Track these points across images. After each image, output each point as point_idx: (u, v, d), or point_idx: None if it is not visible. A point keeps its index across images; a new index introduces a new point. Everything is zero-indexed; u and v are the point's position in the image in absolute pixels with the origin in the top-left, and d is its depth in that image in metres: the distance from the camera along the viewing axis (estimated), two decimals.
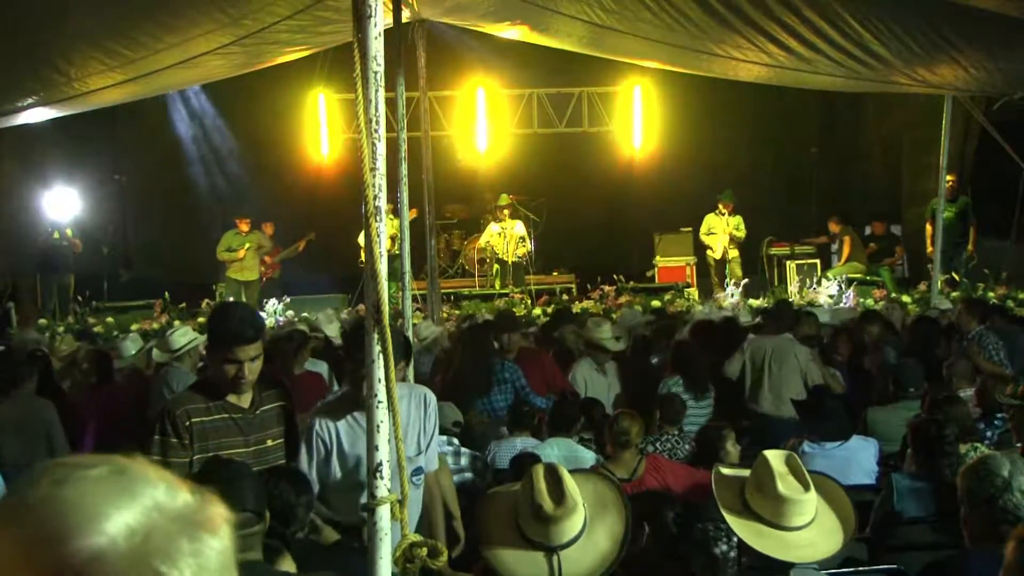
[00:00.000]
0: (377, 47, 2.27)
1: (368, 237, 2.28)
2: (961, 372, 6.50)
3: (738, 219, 14.09)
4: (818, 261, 14.49)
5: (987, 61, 7.54)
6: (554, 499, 2.69)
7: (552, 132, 15.97)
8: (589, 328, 7.31)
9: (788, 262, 14.40)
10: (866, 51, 7.19)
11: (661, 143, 15.98)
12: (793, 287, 13.60)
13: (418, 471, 3.75)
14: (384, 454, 2.31)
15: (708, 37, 7.41)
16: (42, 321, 12.23)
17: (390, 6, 6.39)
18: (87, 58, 6.79)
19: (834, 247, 14.88)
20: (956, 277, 12.72)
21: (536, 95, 15.84)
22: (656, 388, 6.72)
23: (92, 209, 14.15)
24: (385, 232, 2.32)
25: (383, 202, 2.31)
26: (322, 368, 7.00)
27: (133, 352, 7.28)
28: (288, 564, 2.87)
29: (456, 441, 5.53)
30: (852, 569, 3.90)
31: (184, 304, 12.76)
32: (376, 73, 2.27)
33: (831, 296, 12.42)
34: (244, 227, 13.90)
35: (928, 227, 12.63)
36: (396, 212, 6.48)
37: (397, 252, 7.41)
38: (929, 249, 12.09)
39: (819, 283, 13.10)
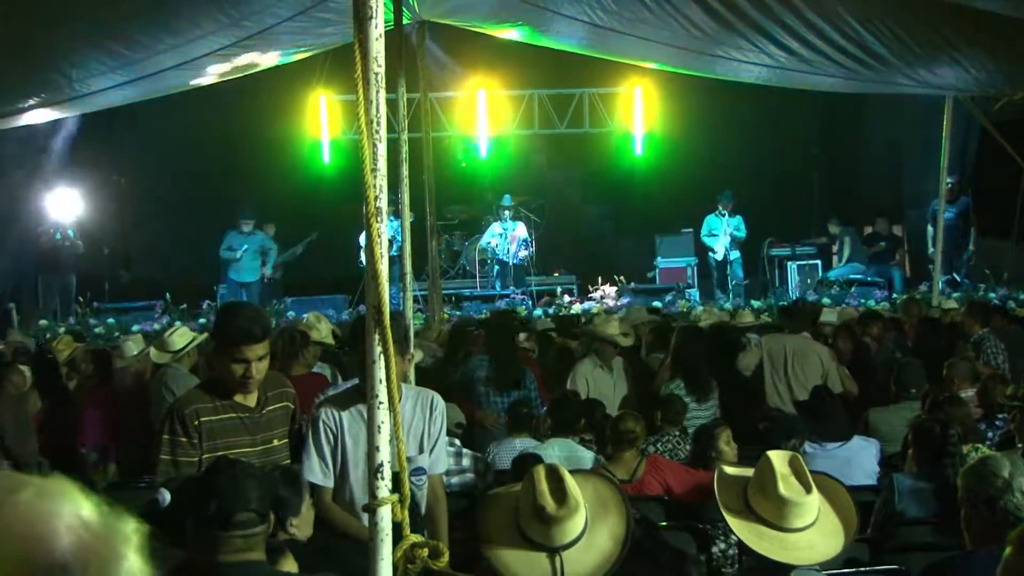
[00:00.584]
0: (378, 48, 2.27)
1: (369, 238, 2.28)
2: (962, 373, 6.50)
3: (738, 219, 14.09)
4: (819, 262, 14.49)
5: (988, 61, 7.54)
6: (556, 499, 2.69)
7: (553, 133, 15.98)
8: (597, 324, 7.28)
9: (789, 263, 14.41)
10: (867, 52, 7.19)
11: (662, 144, 15.98)
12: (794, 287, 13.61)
13: (419, 471, 3.74)
14: (385, 455, 2.31)
15: (709, 38, 7.41)
16: (43, 322, 12.24)
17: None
18: (88, 59, 6.80)
19: (835, 248, 14.89)
20: (957, 278, 12.73)
21: (537, 96, 15.84)
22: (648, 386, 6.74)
23: (93, 210, 14.16)
24: (386, 233, 2.32)
25: (384, 203, 2.31)
26: (326, 371, 6.97)
27: (135, 352, 7.28)
28: (290, 564, 2.87)
29: (458, 442, 5.54)
30: (853, 570, 3.90)
31: (185, 305, 12.77)
32: (377, 74, 2.27)
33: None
34: (247, 227, 13.87)
35: (929, 228, 12.64)
36: (397, 213, 6.49)
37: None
38: (931, 250, 12.10)
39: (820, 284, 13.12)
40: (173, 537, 2.71)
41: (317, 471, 3.62)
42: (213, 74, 8.33)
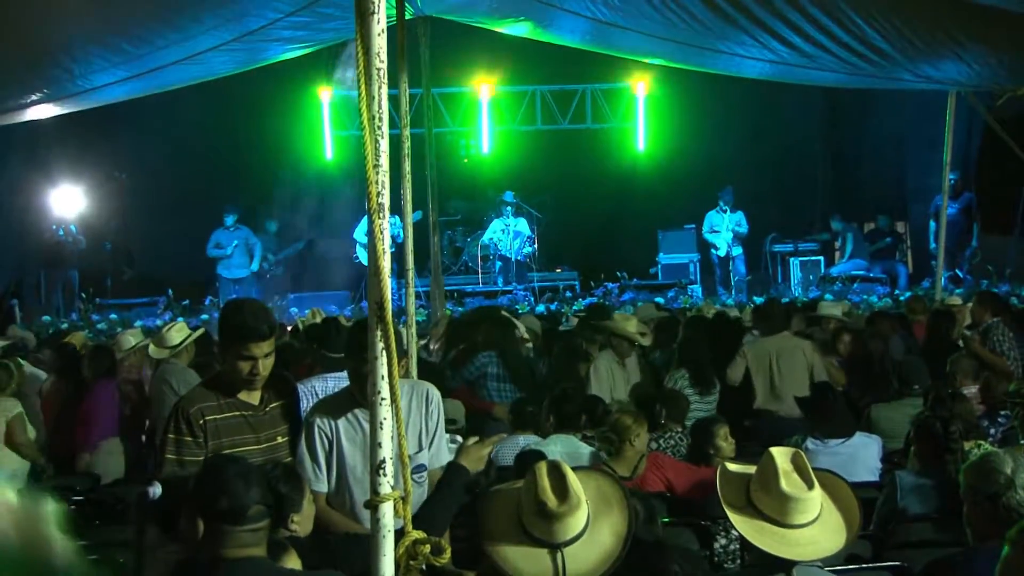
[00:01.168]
0: (380, 44, 2.27)
1: (372, 234, 2.28)
2: (965, 369, 6.50)
3: (739, 215, 14.09)
4: (822, 258, 14.49)
5: (991, 56, 7.52)
6: (558, 496, 2.69)
7: (556, 129, 15.97)
8: (617, 321, 7.29)
9: (791, 259, 14.40)
10: (870, 47, 7.18)
11: (665, 140, 15.98)
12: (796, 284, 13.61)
13: (419, 468, 3.73)
14: (387, 451, 2.31)
15: (712, 34, 7.40)
16: (46, 318, 12.25)
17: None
18: (90, 55, 6.80)
19: (837, 244, 14.88)
20: (960, 274, 12.72)
21: (539, 92, 15.83)
22: (656, 385, 6.74)
23: (96, 206, 14.17)
24: (388, 229, 2.32)
25: (386, 199, 2.30)
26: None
27: (132, 344, 7.29)
28: (293, 561, 2.87)
29: (459, 438, 5.53)
30: (856, 566, 3.90)
31: (188, 301, 12.78)
32: (379, 70, 2.27)
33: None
34: (229, 222, 13.80)
35: (932, 224, 12.62)
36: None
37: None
38: (933, 246, 12.09)
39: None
40: (165, 529, 2.73)
41: (311, 475, 3.58)
42: (216, 70, 8.33)
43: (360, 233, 13.71)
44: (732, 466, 3.06)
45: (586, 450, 5.39)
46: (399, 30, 5.74)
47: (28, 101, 7.62)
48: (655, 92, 15.82)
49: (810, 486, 2.83)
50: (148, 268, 14.83)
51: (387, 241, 2.30)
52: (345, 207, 13.56)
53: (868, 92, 13.28)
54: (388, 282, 2.31)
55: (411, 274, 6.11)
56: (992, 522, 2.97)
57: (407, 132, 5.96)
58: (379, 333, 2.29)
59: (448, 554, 2.38)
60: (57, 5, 5.85)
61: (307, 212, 14.65)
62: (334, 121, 15.62)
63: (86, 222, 13.86)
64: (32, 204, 13.62)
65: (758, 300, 12.31)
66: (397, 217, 8.51)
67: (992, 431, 5.59)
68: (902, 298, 11.80)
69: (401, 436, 2.33)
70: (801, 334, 7.77)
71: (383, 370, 2.29)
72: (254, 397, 3.57)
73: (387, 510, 2.30)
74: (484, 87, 15.54)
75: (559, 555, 2.66)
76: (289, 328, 8.67)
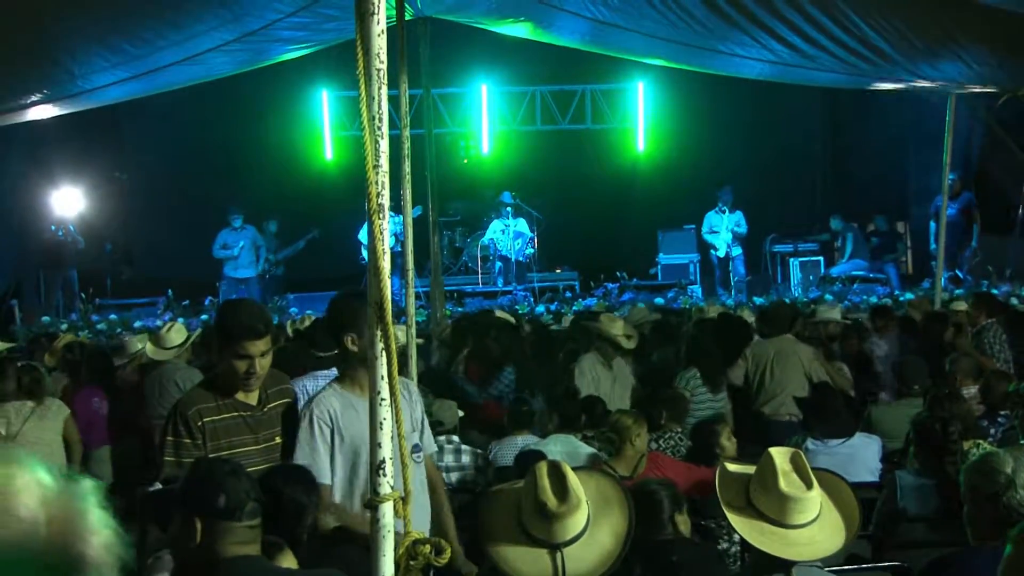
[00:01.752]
0: (380, 44, 2.27)
1: (371, 234, 2.28)
2: (965, 369, 6.50)
3: (738, 215, 14.09)
4: (821, 258, 14.49)
5: (991, 57, 7.52)
6: (558, 496, 2.70)
7: (555, 129, 15.97)
8: (602, 323, 7.30)
9: (791, 259, 14.40)
10: (870, 48, 7.18)
11: (664, 140, 15.98)
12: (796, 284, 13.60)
13: (416, 448, 3.70)
14: (387, 451, 2.31)
15: (712, 34, 7.40)
16: (45, 318, 12.26)
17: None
18: (90, 55, 6.80)
19: (837, 244, 14.88)
20: (960, 275, 12.72)
21: (540, 92, 15.84)
22: (659, 385, 6.74)
23: (95, 207, 14.18)
24: (388, 229, 2.32)
25: (386, 199, 2.30)
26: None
27: (139, 348, 7.31)
28: (288, 560, 2.87)
29: (456, 439, 5.54)
30: (856, 566, 3.90)
31: (188, 302, 12.78)
32: (379, 70, 2.27)
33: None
34: (236, 223, 13.83)
35: (932, 224, 12.62)
36: (398, 210, 6.47)
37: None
38: (933, 246, 12.08)
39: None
40: (164, 530, 2.74)
41: (316, 468, 3.53)
42: (216, 70, 8.33)
43: (364, 235, 13.72)
44: (731, 466, 3.06)
45: (585, 450, 5.40)
46: (399, 30, 5.74)
47: (28, 101, 7.62)
48: (655, 92, 15.83)
49: (809, 486, 2.83)
50: (148, 268, 14.83)
51: (387, 241, 2.30)
52: (345, 207, 13.54)
53: (868, 92, 13.29)
54: (388, 282, 2.31)
55: (411, 274, 6.11)
56: (992, 522, 2.96)
57: (407, 132, 5.96)
58: (379, 333, 2.29)
59: (449, 554, 2.38)
60: (57, 5, 5.85)
61: (307, 212, 14.66)
62: (334, 121, 15.63)
63: (86, 222, 13.86)
64: (32, 204, 13.62)
65: (758, 300, 12.33)
66: (400, 217, 8.51)
67: (992, 431, 5.59)
68: (902, 299, 11.80)
69: (401, 436, 2.34)
70: (800, 337, 7.78)
71: (383, 369, 2.29)
72: (252, 398, 3.56)
73: (387, 510, 2.30)
74: (484, 87, 15.54)
75: (559, 555, 2.67)
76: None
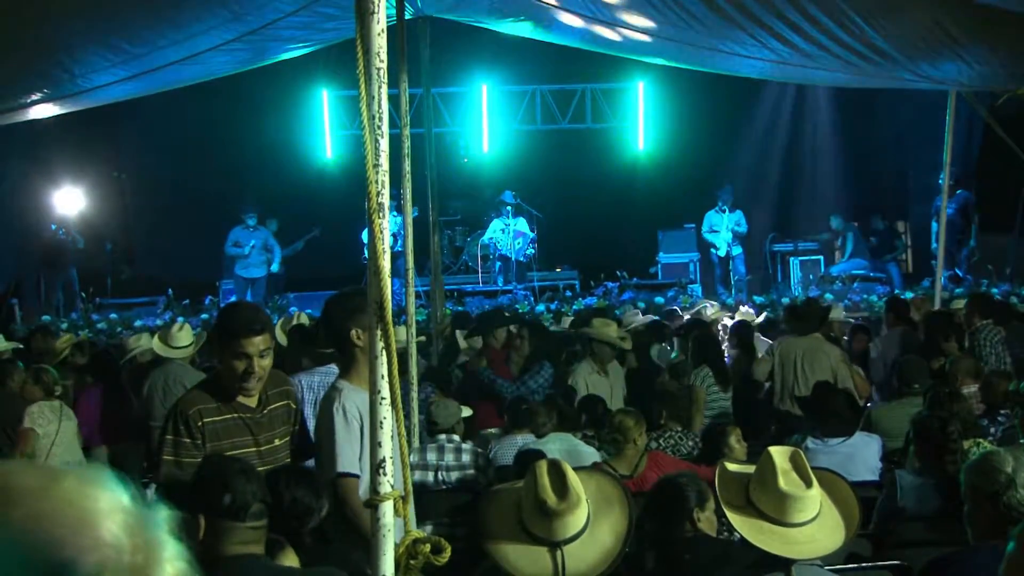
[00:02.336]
0: (380, 43, 2.27)
1: (371, 233, 2.28)
2: (965, 368, 6.50)
3: (738, 214, 14.09)
4: (822, 258, 14.49)
5: (991, 56, 7.52)
6: (557, 494, 2.70)
7: (555, 128, 15.97)
8: (596, 327, 7.29)
9: (791, 258, 14.40)
10: (870, 47, 7.17)
11: (664, 139, 15.97)
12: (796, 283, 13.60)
13: None
14: (387, 450, 2.31)
15: (712, 33, 7.39)
16: (45, 318, 12.26)
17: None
18: (89, 54, 6.80)
19: (837, 243, 14.88)
20: (959, 273, 12.71)
21: (540, 91, 15.84)
22: (655, 385, 6.79)
23: (95, 206, 14.18)
24: (388, 228, 2.32)
25: (386, 198, 2.30)
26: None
27: (138, 346, 7.33)
28: (291, 559, 2.88)
29: (456, 438, 5.54)
30: (856, 565, 3.90)
31: (188, 301, 12.79)
32: (379, 70, 2.27)
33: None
34: (251, 222, 13.84)
35: (934, 224, 12.61)
36: (399, 209, 6.48)
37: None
38: (933, 245, 12.08)
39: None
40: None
41: (355, 462, 3.51)
42: (216, 69, 8.33)
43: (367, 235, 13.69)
44: (731, 466, 3.06)
45: (585, 449, 5.40)
46: (399, 30, 5.75)
47: (28, 101, 7.62)
48: (655, 91, 15.82)
49: (808, 484, 2.83)
50: (148, 268, 14.83)
51: (387, 241, 2.31)
52: (345, 207, 13.53)
53: (869, 92, 13.29)
54: (388, 282, 2.32)
55: (411, 274, 6.11)
56: (993, 521, 2.97)
57: (407, 132, 5.96)
58: (379, 333, 2.29)
59: (448, 553, 2.38)
60: (57, 5, 5.84)
61: (307, 211, 14.66)
62: (334, 120, 15.63)
63: (86, 221, 13.86)
64: (32, 204, 13.62)
65: (758, 300, 12.34)
66: (400, 217, 8.51)
67: (992, 430, 5.59)
68: (902, 297, 11.79)
69: (401, 436, 2.34)
70: (834, 339, 7.79)
71: (383, 369, 2.30)
72: (252, 400, 3.55)
73: (387, 509, 2.31)
74: (484, 86, 15.55)
75: (559, 553, 2.67)
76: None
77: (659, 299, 12.25)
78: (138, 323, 11.54)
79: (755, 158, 15.37)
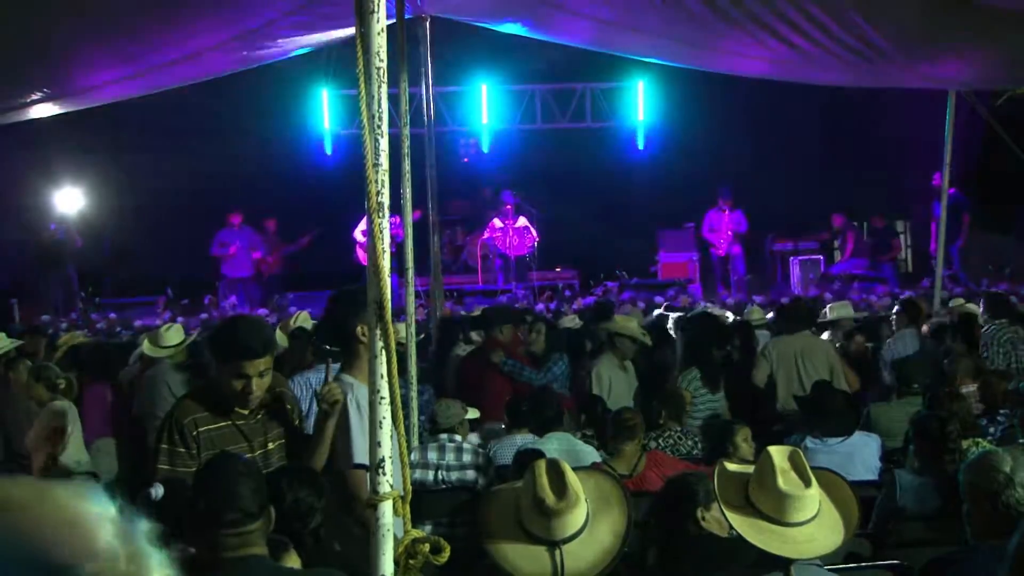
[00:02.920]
0: (380, 43, 2.27)
1: (371, 233, 2.28)
2: (964, 368, 6.50)
3: (738, 214, 14.09)
4: (821, 257, 14.49)
5: (990, 55, 7.52)
6: (556, 493, 2.70)
7: (555, 127, 15.97)
8: (618, 321, 7.27)
9: (791, 258, 14.41)
10: (870, 46, 7.18)
11: (664, 138, 15.98)
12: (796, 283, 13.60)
13: None
14: (387, 450, 2.31)
15: (711, 33, 7.40)
16: (45, 317, 12.26)
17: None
18: (90, 54, 6.80)
19: (837, 243, 14.88)
20: (959, 273, 12.71)
21: (540, 91, 15.84)
22: (657, 384, 6.76)
23: (95, 205, 14.18)
24: (388, 228, 2.32)
25: (386, 198, 2.30)
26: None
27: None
28: (293, 560, 2.88)
29: (458, 437, 5.53)
30: (855, 564, 3.90)
31: (187, 300, 12.79)
32: (379, 69, 2.27)
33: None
34: (235, 222, 13.82)
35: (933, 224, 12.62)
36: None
37: None
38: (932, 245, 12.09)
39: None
40: (171, 530, 2.72)
41: (363, 454, 3.46)
42: (215, 69, 8.33)
43: (359, 233, 13.73)
44: (730, 465, 3.06)
45: (584, 448, 5.40)
46: (399, 30, 5.74)
47: (28, 100, 7.61)
48: (655, 91, 15.82)
49: (807, 484, 2.83)
50: (148, 267, 14.83)
51: (387, 240, 2.30)
52: (345, 206, 13.53)
53: (868, 92, 13.28)
54: (388, 282, 2.32)
55: (411, 273, 6.11)
56: (992, 520, 2.97)
57: (407, 131, 5.96)
58: (379, 333, 2.29)
59: (448, 553, 2.38)
60: (57, 4, 5.85)
61: (307, 211, 14.66)
62: (334, 119, 15.63)
63: (86, 220, 13.86)
64: (31, 203, 13.62)
65: (758, 299, 12.33)
66: (399, 217, 8.50)
67: (991, 430, 5.60)
68: (901, 297, 11.79)
69: (401, 436, 2.34)
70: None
71: (383, 368, 2.30)
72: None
73: (387, 509, 2.31)
74: (484, 86, 15.54)
75: (558, 552, 2.67)
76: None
77: (659, 298, 12.24)
78: (138, 323, 11.53)
79: (755, 158, 15.35)
